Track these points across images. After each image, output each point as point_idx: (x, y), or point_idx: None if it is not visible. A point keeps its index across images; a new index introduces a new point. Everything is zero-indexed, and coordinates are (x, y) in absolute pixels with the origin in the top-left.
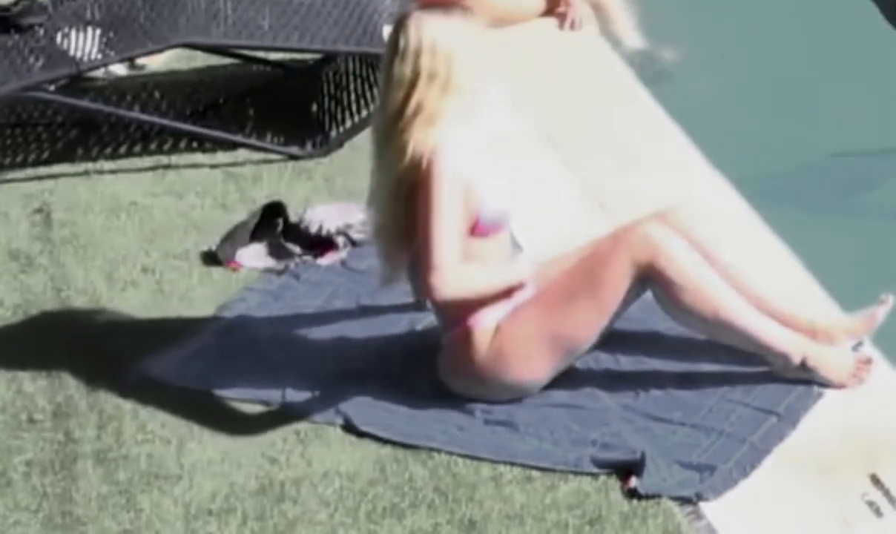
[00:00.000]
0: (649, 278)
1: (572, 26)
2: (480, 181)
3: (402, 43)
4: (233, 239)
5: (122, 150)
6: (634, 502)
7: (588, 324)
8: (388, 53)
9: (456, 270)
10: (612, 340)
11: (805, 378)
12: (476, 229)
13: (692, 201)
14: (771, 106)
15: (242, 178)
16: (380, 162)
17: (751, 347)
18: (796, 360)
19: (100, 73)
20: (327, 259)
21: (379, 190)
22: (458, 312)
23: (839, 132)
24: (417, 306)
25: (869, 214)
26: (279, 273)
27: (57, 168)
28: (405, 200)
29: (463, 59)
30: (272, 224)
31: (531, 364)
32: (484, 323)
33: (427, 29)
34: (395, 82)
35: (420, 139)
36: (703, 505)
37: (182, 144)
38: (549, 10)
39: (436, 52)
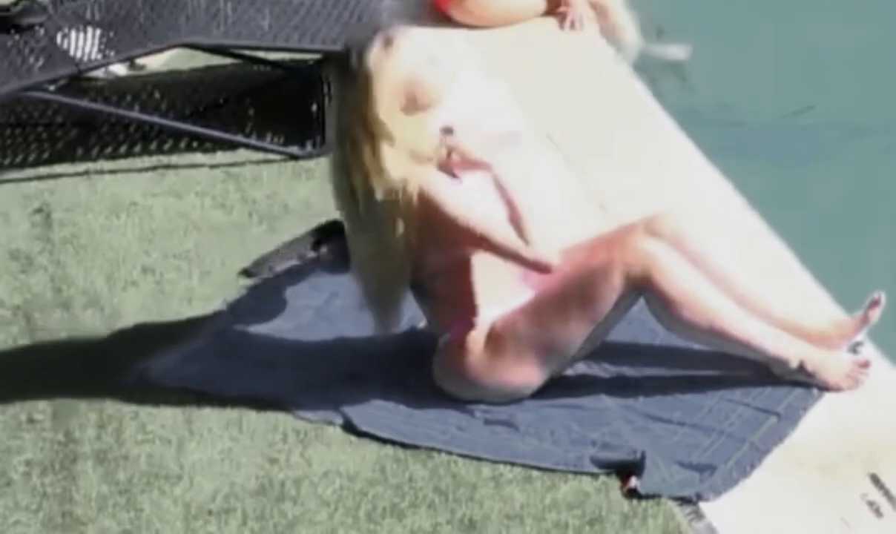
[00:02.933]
0: (644, 292)
1: (572, 26)
2: (466, 195)
3: (364, 80)
4: (269, 263)
5: (122, 150)
6: (634, 502)
7: (578, 331)
8: (350, 88)
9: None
10: (612, 341)
11: (804, 381)
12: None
13: (688, 202)
14: (771, 104)
15: (242, 178)
16: (366, 212)
17: (748, 353)
18: (794, 364)
19: (100, 73)
20: None
21: (370, 233)
22: (452, 316)
23: (839, 131)
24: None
25: (869, 213)
26: (279, 273)
27: (57, 168)
28: (406, 226)
29: (428, 83)
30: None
31: (522, 368)
32: (476, 326)
33: (387, 60)
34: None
35: (401, 174)
36: (703, 505)
37: (182, 144)
38: (550, 11)
39: (401, 83)
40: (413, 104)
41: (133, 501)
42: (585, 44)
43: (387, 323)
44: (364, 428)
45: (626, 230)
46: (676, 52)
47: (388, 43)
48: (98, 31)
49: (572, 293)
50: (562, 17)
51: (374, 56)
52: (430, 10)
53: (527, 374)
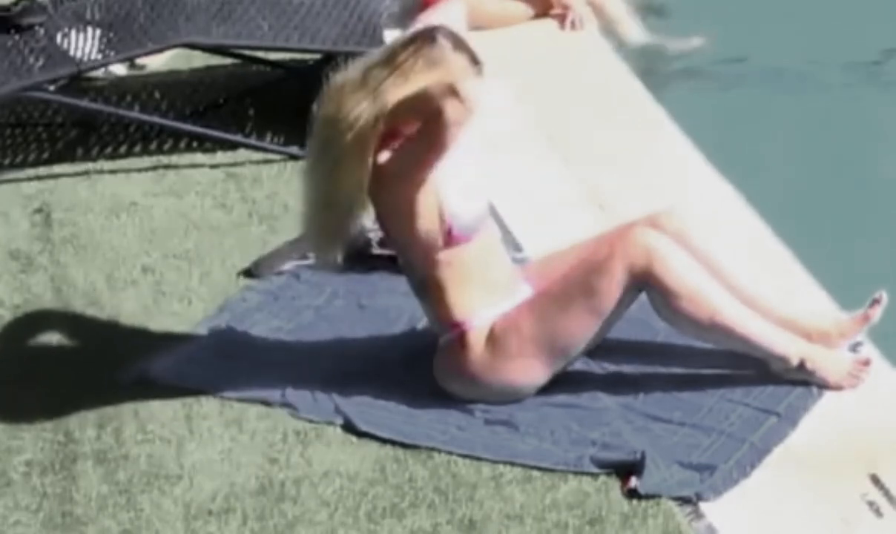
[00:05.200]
0: (646, 285)
1: (573, 26)
2: (450, 187)
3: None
4: (270, 263)
5: (122, 150)
6: (634, 502)
7: (582, 328)
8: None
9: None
10: (611, 340)
11: (803, 379)
12: (452, 238)
13: (688, 202)
14: (772, 103)
15: (242, 178)
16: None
17: (749, 350)
18: (794, 362)
19: (100, 73)
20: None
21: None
22: (452, 314)
23: (838, 132)
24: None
25: (870, 212)
26: (280, 273)
27: (57, 168)
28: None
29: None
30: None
31: (525, 366)
32: (478, 325)
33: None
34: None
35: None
36: (703, 505)
37: (182, 144)
38: (542, 13)
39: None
40: None
41: (133, 501)
42: (585, 44)
43: (326, 255)
44: (364, 428)
45: (627, 226)
46: (688, 43)
47: (455, 41)
48: (98, 31)
49: (575, 290)
50: (561, 18)
51: (441, 48)
52: (422, 11)
53: (530, 372)
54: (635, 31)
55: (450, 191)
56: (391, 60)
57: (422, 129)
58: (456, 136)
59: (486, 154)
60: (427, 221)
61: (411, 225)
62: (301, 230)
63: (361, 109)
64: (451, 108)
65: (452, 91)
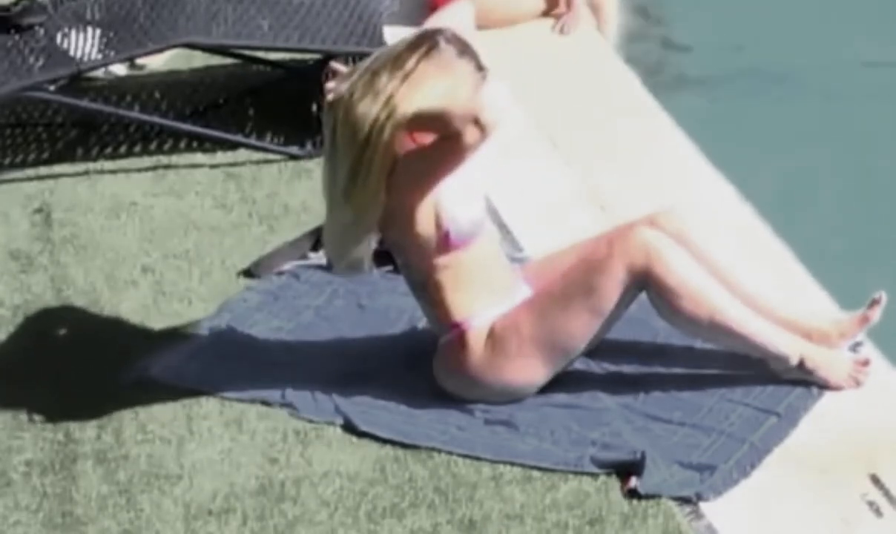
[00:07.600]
0: (646, 285)
1: (561, 31)
2: (449, 192)
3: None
4: (270, 263)
5: (122, 150)
6: (634, 502)
7: (583, 328)
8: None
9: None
10: (611, 340)
11: (803, 379)
12: (449, 244)
13: (688, 202)
14: (772, 103)
15: (242, 178)
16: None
17: (748, 350)
18: (794, 361)
19: (100, 73)
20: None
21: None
22: (452, 315)
23: (838, 131)
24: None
25: (870, 212)
26: (280, 273)
27: (57, 168)
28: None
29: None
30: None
31: (525, 366)
32: (477, 325)
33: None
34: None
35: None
36: (703, 505)
37: (182, 144)
38: (548, 11)
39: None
40: None
41: (133, 501)
42: (586, 44)
43: (342, 267)
44: (364, 428)
45: (627, 226)
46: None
47: (460, 47)
48: (98, 31)
49: (575, 289)
50: (560, 17)
51: (447, 54)
52: (429, 12)
53: (530, 372)
54: (611, 37)
55: (449, 196)
56: (399, 66)
57: (437, 144)
58: (471, 157)
59: (486, 155)
60: (425, 227)
61: (410, 229)
62: (325, 245)
63: (379, 122)
64: (470, 135)
65: (475, 119)
